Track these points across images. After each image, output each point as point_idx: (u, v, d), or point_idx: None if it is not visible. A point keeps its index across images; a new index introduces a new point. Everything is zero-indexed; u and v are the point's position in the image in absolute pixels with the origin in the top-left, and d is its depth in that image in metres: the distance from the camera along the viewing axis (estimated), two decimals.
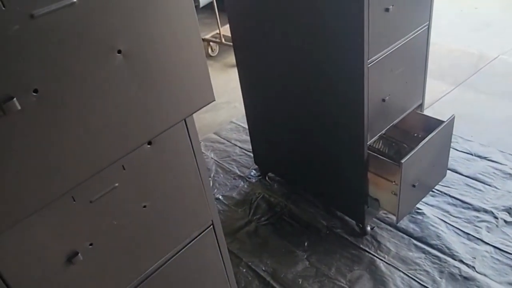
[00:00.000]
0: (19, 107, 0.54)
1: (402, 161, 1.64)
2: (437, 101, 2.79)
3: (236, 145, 2.73)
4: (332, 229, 2.06)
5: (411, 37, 1.67)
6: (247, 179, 2.44)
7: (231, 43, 2.08)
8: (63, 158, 0.62)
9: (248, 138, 2.51)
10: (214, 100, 0.78)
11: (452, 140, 2.40)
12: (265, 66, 1.95)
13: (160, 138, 0.81)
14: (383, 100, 1.67)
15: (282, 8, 1.68)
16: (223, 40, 3.63)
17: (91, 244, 0.78)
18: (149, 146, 0.80)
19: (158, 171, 0.84)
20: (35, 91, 0.57)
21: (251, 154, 2.50)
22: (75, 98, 0.62)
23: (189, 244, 0.96)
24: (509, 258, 1.80)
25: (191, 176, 0.90)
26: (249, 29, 1.91)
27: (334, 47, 1.57)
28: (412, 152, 1.67)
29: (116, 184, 0.78)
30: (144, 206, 0.84)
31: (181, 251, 0.95)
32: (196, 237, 0.97)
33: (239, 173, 2.49)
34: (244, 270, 1.93)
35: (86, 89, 0.63)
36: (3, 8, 0.54)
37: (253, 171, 2.49)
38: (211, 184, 2.43)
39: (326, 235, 2.04)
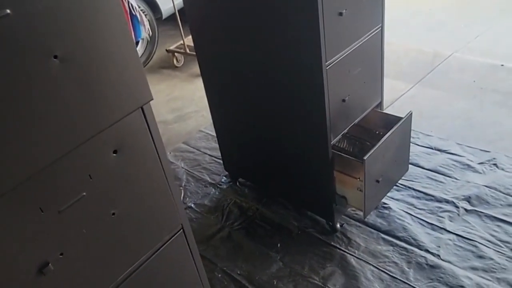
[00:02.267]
0: None
1: (365, 157, 1.70)
2: (397, 99, 2.90)
3: (205, 153, 2.75)
4: (303, 229, 2.11)
5: (366, 39, 1.74)
6: (218, 185, 2.47)
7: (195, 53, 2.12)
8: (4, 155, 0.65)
9: (217, 145, 2.54)
10: (152, 99, 0.81)
11: (413, 135, 2.51)
12: (228, 73, 1.99)
13: (125, 146, 0.83)
14: (343, 100, 1.74)
15: (241, 17, 1.73)
16: (187, 51, 3.66)
17: (61, 254, 0.79)
18: (114, 154, 0.82)
19: (125, 179, 0.86)
20: None
21: (221, 161, 2.53)
22: (14, 99, 0.65)
23: (161, 249, 0.98)
24: (471, 244, 1.89)
25: (158, 182, 0.93)
26: (210, 39, 1.95)
27: (293, 52, 1.63)
28: (374, 149, 1.75)
29: (84, 194, 0.80)
30: (113, 214, 0.86)
31: (153, 256, 0.97)
32: (167, 241, 1.00)
33: (210, 180, 2.52)
34: (220, 275, 1.95)
35: (25, 91, 0.66)
36: None
37: (224, 177, 2.52)
38: (182, 194, 2.45)
39: (298, 235, 2.09)
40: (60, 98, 0.70)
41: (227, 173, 2.50)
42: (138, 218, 0.91)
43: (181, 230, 1.03)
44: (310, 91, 1.66)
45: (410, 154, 2.35)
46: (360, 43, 1.72)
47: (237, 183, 2.45)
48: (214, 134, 2.72)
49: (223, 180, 2.50)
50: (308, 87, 1.66)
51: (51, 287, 0.79)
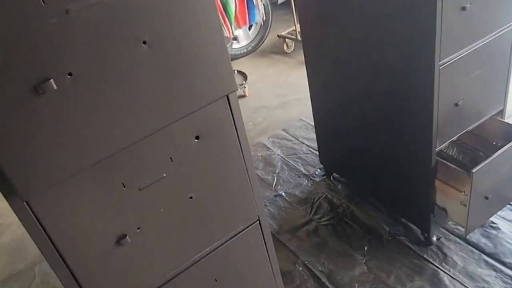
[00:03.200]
0: (55, 87, 0.62)
1: (474, 170, 1.53)
2: None
3: (303, 143, 2.72)
4: (395, 235, 1.98)
5: (492, 37, 1.54)
6: (312, 177, 2.43)
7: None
8: (92, 131, 0.69)
9: (313, 136, 2.50)
10: (236, 90, 0.79)
11: None
12: (334, 66, 1.92)
13: (207, 133, 0.84)
14: (456, 104, 1.57)
15: (352, 7, 1.64)
16: (298, 37, 3.62)
17: (138, 228, 0.83)
18: (196, 140, 0.84)
19: (205, 165, 0.87)
20: (70, 74, 0.66)
21: (316, 154, 2.48)
22: (104, 81, 0.69)
23: (234, 237, 0.99)
24: None
25: (238, 172, 0.93)
26: (319, 28, 1.89)
27: (404, 47, 1.51)
28: (487, 161, 1.56)
29: (164, 175, 0.83)
30: (191, 197, 0.88)
31: (226, 243, 0.98)
32: (242, 231, 1.00)
33: (304, 171, 2.49)
34: (300, 268, 1.93)
35: (113, 74, 0.69)
36: (43, 4, 0.63)
37: (318, 170, 2.47)
38: (275, 181, 2.46)
39: (388, 241, 1.97)
40: (148, 82, 0.72)
41: (322, 166, 2.45)
42: (214, 204, 0.92)
43: (257, 221, 1.02)
44: (419, 91, 1.53)
45: None
46: (485, 42, 1.53)
47: (331, 178, 2.39)
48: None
49: (317, 172, 2.46)
50: (417, 86, 1.53)
51: (127, 258, 0.84)
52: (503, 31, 1.57)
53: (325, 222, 2.14)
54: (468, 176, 1.56)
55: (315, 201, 2.27)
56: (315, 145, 2.58)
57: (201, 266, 0.97)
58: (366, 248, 1.96)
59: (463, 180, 1.60)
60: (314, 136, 2.66)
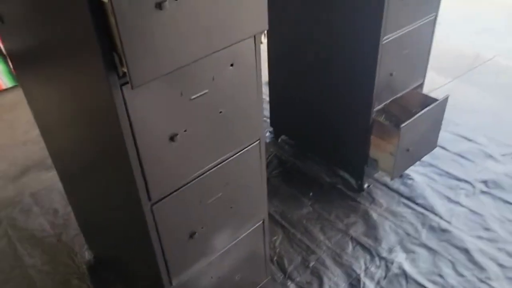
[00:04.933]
0: (168, 7, 0.86)
1: (402, 125, 1.97)
2: (435, 90, 3.13)
3: None
4: (334, 184, 2.40)
5: (420, 23, 1.99)
6: None
7: None
8: (183, 42, 0.92)
9: (265, 105, 2.84)
10: (267, 29, 1.06)
11: (445, 123, 2.75)
12: (290, 40, 2.27)
13: (239, 62, 1.12)
14: (391, 74, 2.01)
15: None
16: None
17: (185, 130, 1.10)
18: (231, 67, 1.12)
19: (234, 87, 1.16)
20: None
21: (267, 120, 2.83)
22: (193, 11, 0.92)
23: (244, 150, 1.29)
24: (480, 218, 2.15)
25: (254, 94, 1.23)
26: (280, 8, 2.23)
27: (356, 25, 1.90)
28: (411, 120, 2.01)
29: (207, 91, 1.10)
30: (220, 112, 1.16)
31: (239, 153, 1.28)
32: (249, 145, 1.30)
33: None
34: None
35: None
36: None
37: (268, 133, 2.82)
38: None
39: (329, 188, 2.38)
40: (213, 20, 0.97)
41: (271, 129, 2.80)
42: (234, 120, 1.21)
43: (258, 141, 1.34)
44: (365, 61, 1.93)
45: (440, 139, 2.60)
46: (414, 26, 1.97)
47: (279, 140, 2.75)
48: (264, 95, 3.03)
49: (267, 135, 2.81)
50: (364, 56, 1.93)
51: (176, 151, 1.11)
52: (428, 19, 2.02)
53: (276, 175, 2.50)
54: (397, 131, 2.00)
55: (266, 158, 2.61)
56: (265, 112, 2.93)
57: (219, 169, 1.25)
58: (311, 194, 2.35)
59: (393, 134, 2.04)
60: (263, 104, 3.00)
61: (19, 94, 1.82)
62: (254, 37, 1.14)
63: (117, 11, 0.79)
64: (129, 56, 0.85)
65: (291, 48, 2.32)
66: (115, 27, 0.82)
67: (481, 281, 1.86)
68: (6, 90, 3.21)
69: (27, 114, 1.83)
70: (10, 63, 2.90)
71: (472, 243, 2.03)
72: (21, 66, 1.51)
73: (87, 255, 2.09)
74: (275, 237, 2.12)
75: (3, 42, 1.57)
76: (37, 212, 2.34)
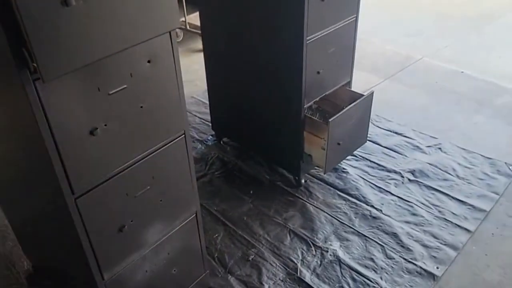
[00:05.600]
0: (74, 3, 0.91)
1: (330, 120, 2.09)
2: (368, 89, 3.30)
3: (196, 115, 3.11)
4: (273, 181, 2.49)
5: (342, 24, 2.13)
6: (205, 142, 2.84)
7: (195, 30, 2.47)
8: (92, 36, 0.97)
9: (206, 110, 2.93)
10: (179, 27, 1.14)
11: (376, 119, 2.92)
12: (225, 47, 2.36)
13: (156, 58, 1.18)
14: (318, 72, 2.13)
15: (242, 6, 2.11)
16: (187, 27, 4.00)
17: (105, 125, 1.14)
18: (148, 63, 1.18)
19: (153, 83, 1.21)
20: None
21: (209, 124, 2.89)
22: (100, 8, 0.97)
23: (168, 144, 1.34)
24: (408, 205, 2.30)
25: (175, 90, 1.29)
26: (215, 18, 2.32)
27: (281, 26, 2.01)
28: (338, 114, 2.14)
29: (125, 86, 1.15)
30: (141, 106, 1.21)
31: (163, 148, 1.33)
32: (173, 140, 1.36)
33: (197, 137, 2.88)
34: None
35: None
36: None
37: (210, 136, 2.88)
38: None
39: (268, 186, 2.47)
40: (127, 15, 1.03)
41: (213, 132, 2.87)
42: (157, 114, 1.27)
43: (183, 135, 1.40)
44: (292, 60, 2.04)
45: (372, 134, 2.77)
46: (337, 27, 2.11)
47: (221, 142, 2.82)
48: (204, 100, 3.12)
49: (209, 138, 2.87)
50: (291, 56, 2.04)
51: (96, 146, 1.14)
52: (349, 21, 2.17)
53: (218, 175, 2.56)
54: (326, 125, 2.12)
55: (208, 159, 2.67)
56: (206, 117, 3.00)
57: (145, 163, 1.29)
58: (251, 192, 2.43)
59: (323, 129, 2.16)
60: (205, 110, 3.08)
61: None
62: (170, 35, 1.21)
63: (20, 6, 0.84)
64: (37, 50, 0.89)
65: (224, 53, 2.41)
66: (21, 23, 0.86)
67: (408, 261, 2.00)
68: None
69: None
70: None
71: (400, 228, 2.17)
72: None
73: (26, 264, 2.06)
74: (216, 235, 2.18)
75: None
76: None
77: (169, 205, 1.46)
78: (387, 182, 2.45)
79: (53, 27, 0.90)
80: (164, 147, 1.35)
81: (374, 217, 2.24)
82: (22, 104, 1.01)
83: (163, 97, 1.27)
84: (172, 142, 1.37)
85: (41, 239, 1.71)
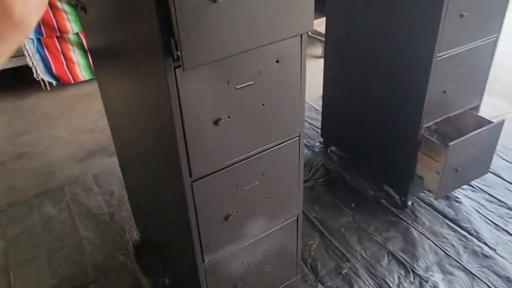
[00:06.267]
0: (221, 0, 0.97)
1: (450, 144, 1.96)
2: (496, 116, 3.02)
3: (306, 121, 3.12)
4: (377, 198, 2.41)
5: (479, 44, 1.98)
6: (312, 148, 2.84)
7: (317, 37, 2.48)
8: (234, 30, 1.03)
9: (317, 116, 2.92)
10: (312, 30, 1.14)
11: (502, 151, 2.67)
12: (347, 55, 2.34)
13: (284, 59, 1.22)
14: (444, 92, 2.00)
15: (370, 11, 2.06)
16: (310, 33, 4.03)
17: (229, 117, 1.21)
18: (276, 63, 1.22)
19: (278, 82, 1.25)
20: None
21: (318, 130, 2.89)
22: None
23: (283, 144, 1.37)
24: None
25: (297, 93, 1.31)
26: (342, 26, 2.30)
27: (411, 40, 1.93)
28: (461, 139, 1.99)
29: (252, 83, 1.20)
30: (263, 104, 1.26)
31: (277, 147, 1.36)
32: (288, 140, 1.38)
33: (305, 142, 2.89)
34: None
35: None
36: None
37: (318, 143, 2.87)
38: None
39: (371, 201, 2.39)
40: (263, 15, 1.07)
41: (322, 140, 2.85)
42: (276, 113, 1.30)
43: (298, 137, 1.41)
44: (418, 75, 1.95)
45: (495, 166, 2.53)
46: (473, 46, 1.96)
47: (328, 150, 2.79)
48: (316, 107, 3.12)
49: (316, 144, 2.86)
50: (417, 71, 1.95)
51: (219, 135, 1.22)
52: (488, 40, 2.00)
53: (321, 183, 2.54)
54: (444, 148, 1.99)
55: (313, 166, 2.67)
56: (316, 123, 2.99)
57: (258, 159, 1.34)
58: (353, 205, 2.37)
59: (440, 152, 2.03)
60: (316, 116, 3.08)
61: (94, 86, 2.03)
62: (301, 37, 1.23)
63: (176, 1, 0.92)
64: (184, 41, 0.97)
65: (345, 62, 2.38)
66: (174, 15, 0.94)
67: None
68: (84, 82, 3.52)
69: (99, 105, 2.04)
70: (90, 58, 3.20)
71: None
72: (98, 60, 1.72)
73: (135, 235, 2.25)
74: (311, 241, 2.17)
75: (86, 38, 1.78)
76: (96, 191, 2.56)
77: (274, 203, 1.49)
78: (506, 221, 2.22)
79: (200, 20, 0.97)
80: (278, 146, 1.38)
81: (485, 256, 2.04)
82: (161, 88, 1.11)
83: (285, 98, 1.30)
84: (286, 143, 1.39)
85: (152, 214, 1.85)
